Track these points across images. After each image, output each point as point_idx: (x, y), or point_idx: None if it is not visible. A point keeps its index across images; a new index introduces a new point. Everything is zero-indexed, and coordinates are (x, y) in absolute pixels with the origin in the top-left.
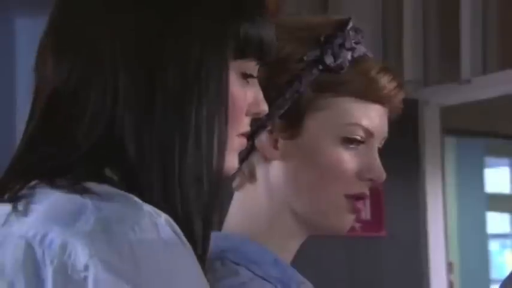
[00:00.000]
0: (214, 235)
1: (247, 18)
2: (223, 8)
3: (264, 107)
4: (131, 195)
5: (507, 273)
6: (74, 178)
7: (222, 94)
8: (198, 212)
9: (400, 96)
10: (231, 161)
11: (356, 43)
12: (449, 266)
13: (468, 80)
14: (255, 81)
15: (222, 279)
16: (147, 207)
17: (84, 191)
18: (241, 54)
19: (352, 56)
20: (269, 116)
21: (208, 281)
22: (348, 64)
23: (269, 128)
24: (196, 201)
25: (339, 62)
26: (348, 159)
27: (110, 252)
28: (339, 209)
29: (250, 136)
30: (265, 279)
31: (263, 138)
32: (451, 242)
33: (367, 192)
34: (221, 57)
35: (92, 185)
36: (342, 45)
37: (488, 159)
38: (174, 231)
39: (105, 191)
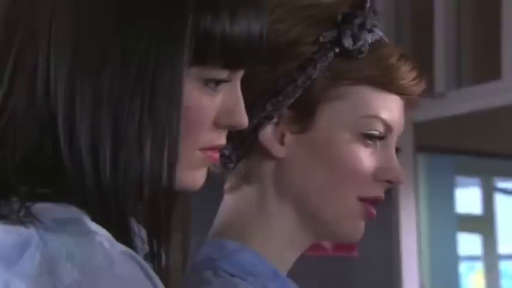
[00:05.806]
0: (204, 241)
1: (209, 10)
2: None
3: (240, 120)
4: (85, 220)
5: None
6: (19, 201)
7: (173, 102)
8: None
9: (420, 88)
10: (190, 178)
11: (373, 26)
12: (422, 287)
13: (442, 93)
14: (234, 87)
15: None
16: (102, 238)
17: (29, 220)
18: (203, 57)
19: (370, 40)
20: (276, 106)
21: None
22: (367, 48)
23: (275, 120)
24: (138, 214)
25: (358, 45)
26: (365, 157)
27: None
28: (351, 213)
29: (253, 130)
30: None
31: (268, 132)
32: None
33: (383, 196)
34: (174, 59)
35: (41, 208)
36: (362, 26)
37: (459, 179)
38: (135, 262)
39: (56, 216)
